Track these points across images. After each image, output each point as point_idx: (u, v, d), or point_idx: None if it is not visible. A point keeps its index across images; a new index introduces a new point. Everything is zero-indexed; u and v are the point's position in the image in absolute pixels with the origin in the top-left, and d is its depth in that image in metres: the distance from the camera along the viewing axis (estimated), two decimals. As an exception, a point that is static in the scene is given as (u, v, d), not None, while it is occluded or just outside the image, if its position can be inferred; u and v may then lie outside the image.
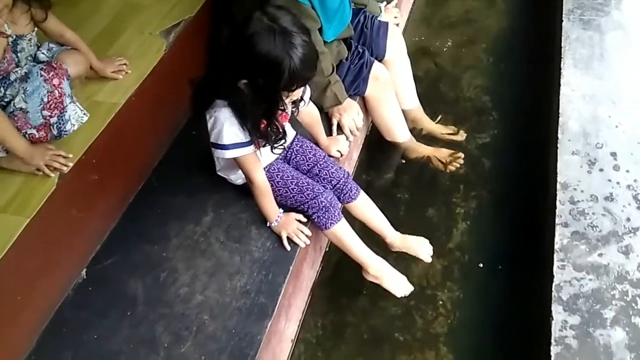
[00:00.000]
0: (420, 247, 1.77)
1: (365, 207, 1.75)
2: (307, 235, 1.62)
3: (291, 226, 1.62)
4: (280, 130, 1.51)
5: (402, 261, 1.80)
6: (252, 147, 1.50)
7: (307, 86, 1.63)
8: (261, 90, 1.36)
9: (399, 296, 1.72)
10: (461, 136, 2.26)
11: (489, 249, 1.90)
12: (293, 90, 1.40)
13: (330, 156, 1.80)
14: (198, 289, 1.52)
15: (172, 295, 1.51)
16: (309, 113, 1.76)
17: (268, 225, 1.63)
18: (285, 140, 1.57)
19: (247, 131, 1.46)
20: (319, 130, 1.84)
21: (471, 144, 2.24)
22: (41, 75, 1.48)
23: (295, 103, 1.58)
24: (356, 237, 1.67)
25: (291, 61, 1.30)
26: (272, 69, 1.31)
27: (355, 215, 1.76)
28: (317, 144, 1.83)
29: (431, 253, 1.78)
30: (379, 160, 2.24)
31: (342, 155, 1.89)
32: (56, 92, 1.50)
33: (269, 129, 1.48)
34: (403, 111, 2.21)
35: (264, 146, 1.53)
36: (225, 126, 1.45)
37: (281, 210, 1.64)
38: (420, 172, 2.16)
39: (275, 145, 1.54)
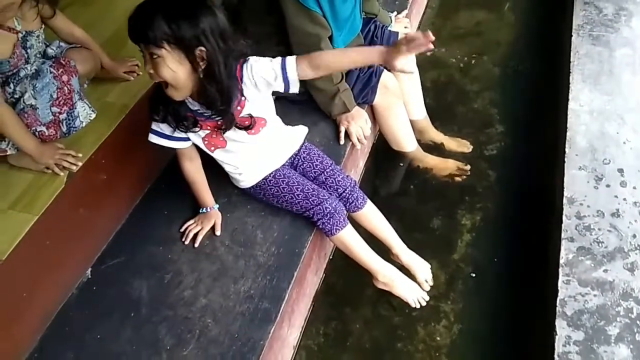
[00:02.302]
0: (420, 270, 1.75)
1: (372, 216, 1.74)
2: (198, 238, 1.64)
3: (210, 223, 1.66)
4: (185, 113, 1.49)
5: (406, 270, 1.78)
6: (175, 143, 1.55)
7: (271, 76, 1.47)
8: None
9: (412, 304, 1.69)
10: (468, 148, 2.26)
11: (494, 261, 1.89)
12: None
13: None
14: (202, 292, 1.52)
15: (175, 298, 1.51)
16: (318, 66, 1.44)
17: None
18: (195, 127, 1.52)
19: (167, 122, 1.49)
20: (357, 53, 1.55)
21: (478, 155, 2.24)
22: (51, 72, 1.50)
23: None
24: (364, 243, 1.66)
25: None
26: None
27: (362, 224, 1.75)
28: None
29: (430, 281, 1.76)
30: (386, 169, 2.25)
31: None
32: (65, 88, 1.52)
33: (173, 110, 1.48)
34: (410, 121, 2.21)
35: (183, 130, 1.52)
36: None
37: (216, 206, 1.68)
38: (426, 182, 2.16)
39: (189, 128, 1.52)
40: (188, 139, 1.57)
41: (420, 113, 2.29)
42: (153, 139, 1.56)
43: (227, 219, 1.70)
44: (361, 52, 1.58)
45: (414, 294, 1.70)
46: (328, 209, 1.60)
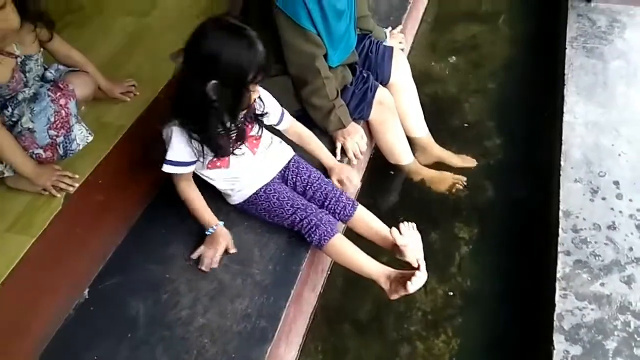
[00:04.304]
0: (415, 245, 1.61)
1: (365, 219, 1.69)
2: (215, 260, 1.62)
3: (221, 243, 1.63)
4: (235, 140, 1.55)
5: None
6: (189, 168, 1.56)
7: (279, 106, 1.71)
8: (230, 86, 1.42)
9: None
10: (472, 163, 2.25)
11: (491, 275, 1.89)
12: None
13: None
14: (199, 311, 1.52)
15: (173, 318, 1.51)
16: (296, 133, 1.80)
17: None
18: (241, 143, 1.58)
19: (195, 149, 1.50)
20: (318, 149, 1.84)
21: (475, 168, 2.25)
22: (48, 96, 1.51)
23: (257, 119, 1.60)
24: (357, 250, 1.60)
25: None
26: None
27: (358, 230, 1.70)
28: (325, 169, 1.85)
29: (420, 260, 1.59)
30: (383, 183, 2.25)
31: (350, 185, 1.84)
32: (63, 112, 1.53)
33: (227, 137, 1.51)
34: (412, 139, 2.22)
35: (222, 156, 1.56)
36: (174, 143, 1.50)
37: (221, 223, 1.65)
38: (424, 195, 2.17)
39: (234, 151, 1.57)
40: (197, 161, 1.56)
41: (421, 130, 2.28)
42: (168, 169, 1.54)
43: (224, 237, 1.70)
44: (323, 154, 1.86)
45: (419, 283, 1.53)
46: (313, 221, 1.59)
